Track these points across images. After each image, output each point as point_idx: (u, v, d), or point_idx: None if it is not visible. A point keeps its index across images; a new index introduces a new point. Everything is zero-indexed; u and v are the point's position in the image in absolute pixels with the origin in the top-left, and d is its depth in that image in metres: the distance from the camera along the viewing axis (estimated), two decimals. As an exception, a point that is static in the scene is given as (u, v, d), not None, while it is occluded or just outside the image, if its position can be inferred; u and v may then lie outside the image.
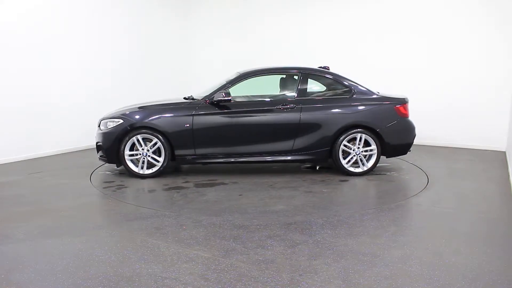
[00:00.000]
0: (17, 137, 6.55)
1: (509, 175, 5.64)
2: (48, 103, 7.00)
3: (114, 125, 5.52)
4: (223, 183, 5.34)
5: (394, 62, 8.26)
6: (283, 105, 5.54)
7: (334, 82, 5.80)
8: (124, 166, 5.54)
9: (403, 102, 5.69)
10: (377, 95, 5.73)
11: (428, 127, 7.81)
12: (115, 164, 5.71)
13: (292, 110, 5.52)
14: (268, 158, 5.63)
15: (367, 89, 5.76)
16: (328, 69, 6.18)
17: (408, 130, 5.71)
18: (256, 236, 3.50)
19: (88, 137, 7.68)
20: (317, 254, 3.15)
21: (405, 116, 5.68)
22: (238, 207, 4.33)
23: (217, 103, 5.50)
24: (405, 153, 5.82)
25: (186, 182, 5.44)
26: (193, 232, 3.60)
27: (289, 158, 5.61)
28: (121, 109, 5.86)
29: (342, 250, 3.23)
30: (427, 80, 8.02)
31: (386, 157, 5.81)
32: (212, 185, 5.28)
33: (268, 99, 5.80)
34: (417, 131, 5.86)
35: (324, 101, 5.65)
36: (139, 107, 5.71)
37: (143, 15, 8.95)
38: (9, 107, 6.41)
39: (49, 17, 6.94)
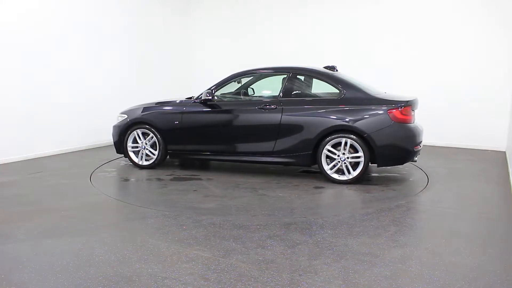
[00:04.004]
0: (17, 137, 6.54)
1: (509, 175, 5.64)
2: (48, 103, 6.99)
3: (121, 120, 6.14)
4: (199, 179, 5.51)
5: (394, 62, 8.25)
6: (265, 105, 5.44)
7: (324, 82, 5.43)
8: (127, 157, 6.12)
9: (402, 105, 5.01)
10: (371, 97, 5.16)
11: (428, 127, 7.78)
12: (123, 155, 6.22)
13: (273, 110, 5.35)
14: (249, 159, 5.58)
15: (364, 90, 5.25)
16: (335, 69, 5.89)
17: (406, 137, 5.04)
18: (256, 236, 3.50)
19: (88, 137, 7.71)
20: (317, 254, 3.15)
21: (402, 121, 5.01)
22: (170, 201, 4.51)
23: (204, 102, 5.69)
24: (402, 162, 5.22)
25: (170, 175, 5.70)
26: (193, 232, 3.60)
27: (270, 159, 5.47)
28: (136, 105, 6.31)
29: (342, 250, 3.23)
30: (427, 80, 8.01)
31: (378, 166, 5.21)
32: (186, 179, 5.50)
33: (254, 99, 5.83)
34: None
35: (307, 102, 5.34)
36: (156, 103, 6.15)
37: (143, 15, 8.94)
38: (9, 107, 6.39)
39: (48, 17, 6.93)
